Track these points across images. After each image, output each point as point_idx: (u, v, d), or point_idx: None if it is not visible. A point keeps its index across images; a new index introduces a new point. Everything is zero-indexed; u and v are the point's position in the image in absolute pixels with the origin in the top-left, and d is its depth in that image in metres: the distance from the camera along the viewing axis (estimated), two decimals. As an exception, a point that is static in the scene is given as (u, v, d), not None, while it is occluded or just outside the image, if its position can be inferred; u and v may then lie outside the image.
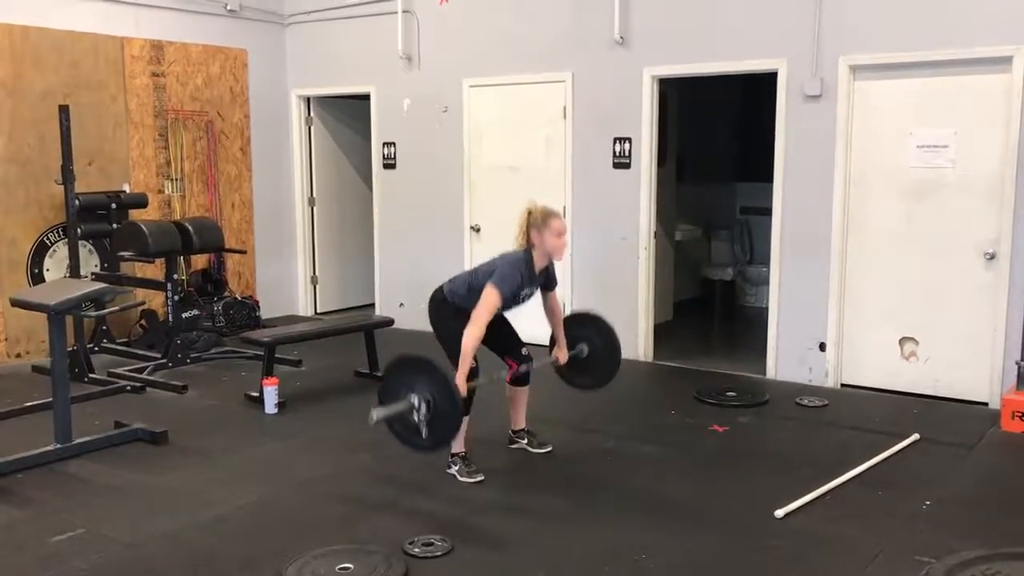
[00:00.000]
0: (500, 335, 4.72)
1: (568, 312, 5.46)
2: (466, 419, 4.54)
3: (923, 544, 3.75)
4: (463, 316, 4.44)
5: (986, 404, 5.75)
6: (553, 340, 4.95)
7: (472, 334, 4.31)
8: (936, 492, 4.35)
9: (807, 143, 6.20)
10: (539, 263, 4.55)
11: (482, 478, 4.49)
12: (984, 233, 5.70)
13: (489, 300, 4.36)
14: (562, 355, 4.91)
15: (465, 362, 4.29)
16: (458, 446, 4.55)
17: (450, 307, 4.59)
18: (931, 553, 3.61)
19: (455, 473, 4.52)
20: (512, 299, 4.49)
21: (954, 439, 5.15)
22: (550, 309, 4.85)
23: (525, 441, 4.99)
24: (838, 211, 6.13)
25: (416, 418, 4.05)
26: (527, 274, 4.50)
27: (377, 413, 4.06)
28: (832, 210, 6.15)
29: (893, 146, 5.95)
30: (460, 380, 4.22)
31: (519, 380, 4.85)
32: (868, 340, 6.18)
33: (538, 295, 4.72)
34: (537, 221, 4.48)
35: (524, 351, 4.78)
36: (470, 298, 4.48)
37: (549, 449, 4.97)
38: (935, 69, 5.75)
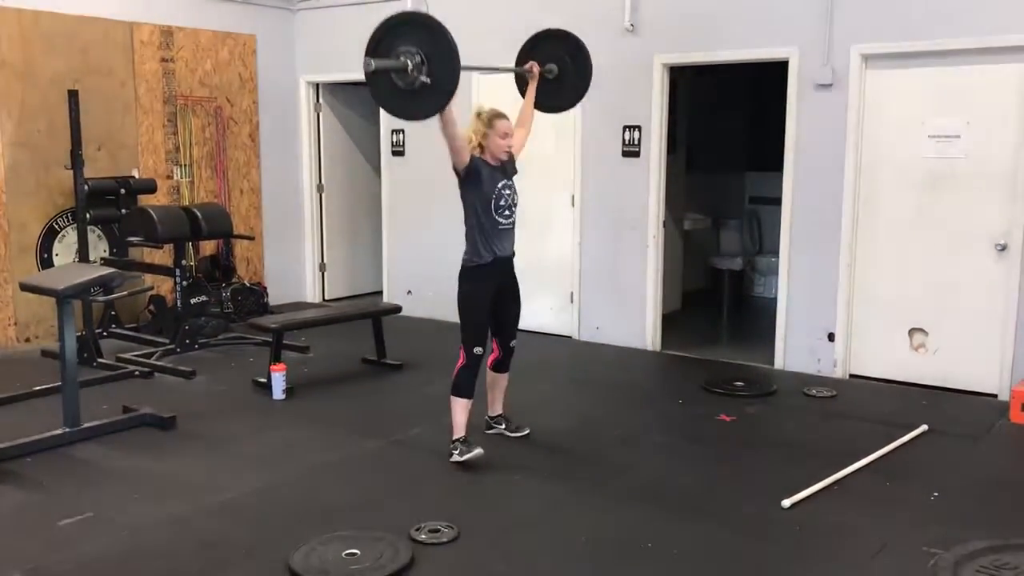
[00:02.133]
0: (503, 317, 4.77)
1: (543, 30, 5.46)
2: (469, 402, 4.59)
3: (931, 535, 3.73)
4: (475, 277, 4.59)
5: (995, 396, 5.72)
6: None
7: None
8: (944, 483, 4.34)
9: (818, 133, 6.17)
10: (492, 162, 4.64)
11: (480, 451, 4.52)
12: (996, 224, 5.66)
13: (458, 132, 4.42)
14: (534, 66, 5.08)
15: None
16: (457, 432, 4.57)
17: (466, 271, 4.66)
18: (939, 544, 3.60)
19: (456, 456, 4.53)
20: (492, 190, 4.56)
21: (963, 430, 5.14)
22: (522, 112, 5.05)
23: (503, 427, 5.01)
24: (848, 201, 6.10)
25: (409, 78, 4.05)
26: (488, 168, 4.58)
27: (377, 62, 4.03)
28: (842, 200, 6.11)
29: (905, 136, 5.91)
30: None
31: (499, 366, 4.88)
32: (877, 331, 6.15)
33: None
34: (484, 120, 4.61)
35: (512, 344, 4.83)
36: (468, 239, 4.61)
37: (527, 432, 4.99)
38: (947, 58, 5.71)
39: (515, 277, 4.79)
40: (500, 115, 4.65)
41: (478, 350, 4.55)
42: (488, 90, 7.61)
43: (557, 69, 5.19)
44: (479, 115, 4.64)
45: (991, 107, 5.60)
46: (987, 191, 5.67)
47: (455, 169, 4.55)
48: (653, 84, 6.77)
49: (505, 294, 4.71)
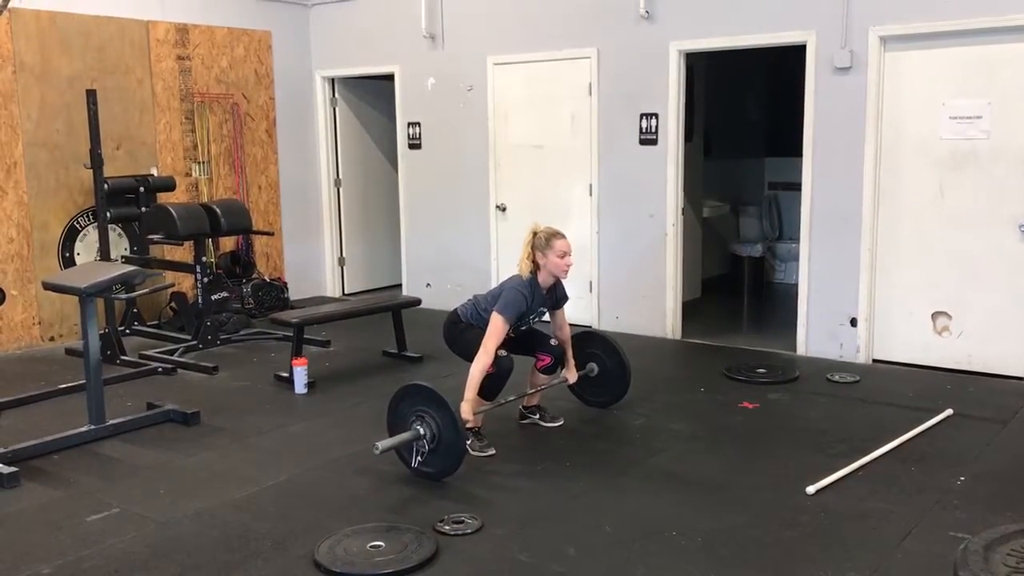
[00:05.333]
0: (523, 339, 4.84)
1: (575, 332, 5.46)
2: (491, 404, 4.63)
3: (957, 520, 3.71)
4: (475, 328, 4.65)
5: (1020, 378, 5.67)
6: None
7: (481, 360, 4.43)
8: (970, 468, 4.31)
9: (837, 116, 6.11)
10: (545, 284, 4.67)
11: (493, 452, 4.54)
12: (1018, 205, 5.60)
13: (496, 327, 4.48)
14: (571, 375, 5.05)
15: (471, 389, 4.41)
16: (474, 420, 4.58)
17: (463, 323, 4.77)
18: (966, 529, 3.57)
19: (467, 447, 4.54)
20: (519, 323, 4.64)
21: (988, 414, 5.09)
22: (558, 326, 4.97)
23: (537, 416, 5.02)
24: (869, 184, 6.05)
25: (422, 447, 4.16)
26: (532, 297, 4.61)
27: (383, 444, 4.13)
28: (863, 183, 6.06)
29: (925, 117, 5.85)
30: (466, 407, 4.35)
31: (548, 370, 4.90)
32: (900, 315, 6.11)
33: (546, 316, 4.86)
34: (541, 243, 4.60)
35: (553, 341, 4.86)
36: (481, 317, 4.67)
37: (560, 423, 5.00)
38: (968, 38, 5.64)
39: None
40: (558, 234, 4.63)
41: (501, 352, 4.51)
42: (503, 81, 7.60)
43: (597, 368, 5.21)
44: (535, 234, 4.62)
45: (1013, 87, 5.53)
46: (1010, 172, 5.61)
47: None
48: (669, 71, 6.74)
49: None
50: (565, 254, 4.60)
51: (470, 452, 4.52)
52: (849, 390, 5.65)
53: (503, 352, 4.53)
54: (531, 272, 4.63)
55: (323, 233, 9.04)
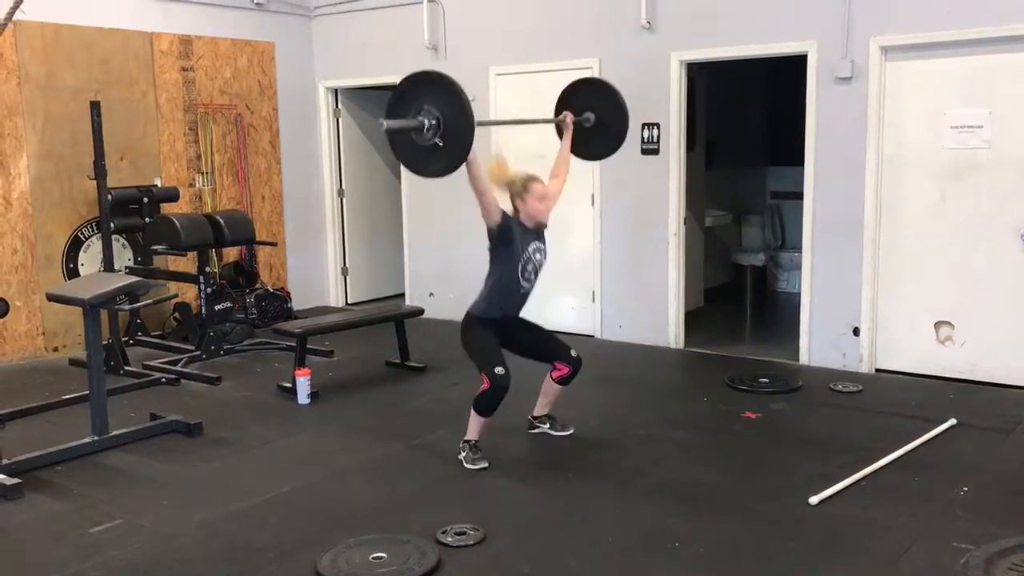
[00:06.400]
0: (541, 340, 4.81)
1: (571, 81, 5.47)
2: (488, 420, 4.57)
3: (961, 531, 3.70)
4: (477, 323, 4.58)
5: (1024, 388, 5.67)
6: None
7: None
8: (974, 478, 4.30)
9: (838, 126, 6.12)
10: (527, 224, 4.60)
11: (486, 465, 4.49)
12: (1021, 214, 5.60)
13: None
14: (569, 116, 5.05)
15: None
16: (471, 433, 4.58)
17: (470, 318, 4.65)
18: (969, 540, 3.57)
19: (462, 459, 4.55)
20: (522, 252, 4.51)
21: (992, 424, 5.08)
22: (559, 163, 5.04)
23: (547, 426, 5.00)
24: (871, 194, 6.05)
25: (427, 135, 4.10)
26: (521, 228, 4.54)
27: (389, 123, 4.06)
28: (864, 193, 6.07)
29: (926, 127, 5.85)
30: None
31: (564, 381, 4.85)
32: (903, 324, 6.10)
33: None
34: (518, 188, 4.56)
35: (574, 353, 4.81)
36: (485, 291, 4.60)
37: (571, 432, 4.98)
38: (969, 48, 5.65)
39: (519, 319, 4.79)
40: (533, 179, 4.59)
41: (499, 370, 4.43)
42: (505, 92, 7.62)
43: (594, 117, 5.15)
44: (512, 184, 4.58)
45: (1014, 96, 5.54)
46: (1012, 181, 5.61)
47: (487, 227, 4.49)
48: (671, 81, 6.75)
49: (514, 329, 4.70)
50: (544, 197, 4.55)
51: (463, 464, 4.53)
52: (852, 400, 5.64)
53: (501, 369, 4.44)
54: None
55: (326, 243, 9.06)
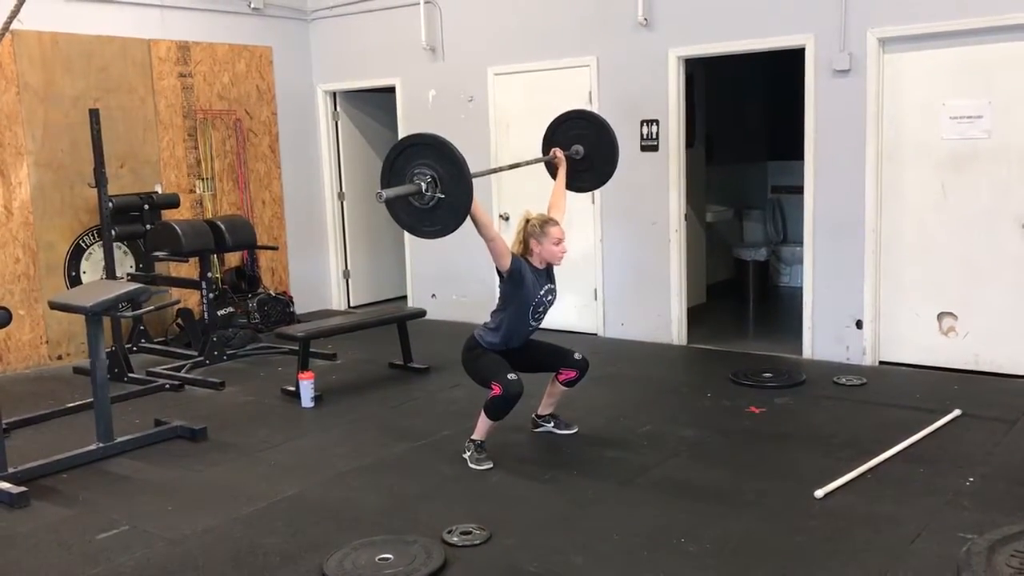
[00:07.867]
0: (542, 353, 4.83)
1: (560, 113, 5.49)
2: (497, 423, 4.58)
3: (967, 521, 3.70)
4: (481, 348, 4.60)
5: (1029, 378, 5.66)
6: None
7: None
8: (979, 468, 4.29)
9: (837, 119, 6.12)
10: (538, 265, 4.64)
11: (490, 466, 4.51)
12: (1021, 204, 5.59)
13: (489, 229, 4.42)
14: (559, 151, 5.10)
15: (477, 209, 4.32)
16: (478, 434, 4.58)
17: (476, 344, 4.66)
18: (976, 530, 3.56)
19: (467, 458, 4.55)
20: (534, 292, 4.55)
21: (996, 414, 5.07)
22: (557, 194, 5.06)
23: (552, 424, 5.01)
24: (871, 186, 6.04)
25: (424, 198, 4.11)
26: (532, 272, 4.58)
27: (386, 192, 4.06)
28: (865, 186, 6.06)
29: (925, 118, 5.85)
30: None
31: (571, 383, 4.87)
32: (906, 316, 6.10)
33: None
34: (535, 230, 4.58)
35: (577, 355, 4.83)
36: (493, 325, 4.63)
37: (575, 430, 4.99)
38: (967, 38, 5.64)
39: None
40: (550, 221, 4.61)
41: (512, 376, 4.45)
42: (504, 92, 7.62)
43: (583, 149, 5.19)
44: (528, 222, 4.60)
45: (1013, 86, 5.53)
46: (1012, 170, 5.60)
47: (497, 270, 4.53)
48: (669, 77, 6.75)
49: (516, 353, 4.69)
50: (560, 240, 4.58)
51: (468, 464, 4.53)
52: (856, 393, 5.64)
53: (513, 376, 4.46)
54: (522, 255, 4.60)
55: (328, 246, 9.06)
